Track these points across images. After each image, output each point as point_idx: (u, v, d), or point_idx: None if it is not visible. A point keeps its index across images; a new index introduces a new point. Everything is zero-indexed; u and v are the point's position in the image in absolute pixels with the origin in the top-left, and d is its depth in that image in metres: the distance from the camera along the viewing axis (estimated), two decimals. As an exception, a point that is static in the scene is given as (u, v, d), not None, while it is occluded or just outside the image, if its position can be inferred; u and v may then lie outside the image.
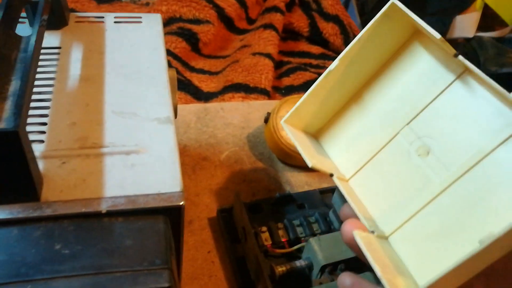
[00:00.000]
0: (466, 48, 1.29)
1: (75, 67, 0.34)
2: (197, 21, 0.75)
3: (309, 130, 0.36)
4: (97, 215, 0.25)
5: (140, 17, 0.41)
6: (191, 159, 0.54)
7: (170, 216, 0.27)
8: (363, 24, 1.25)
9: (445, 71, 0.29)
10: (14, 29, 0.30)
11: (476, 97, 0.28)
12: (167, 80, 0.35)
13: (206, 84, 0.68)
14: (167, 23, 0.74)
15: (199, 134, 0.57)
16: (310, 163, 0.31)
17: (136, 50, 0.37)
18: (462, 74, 0.28)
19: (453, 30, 1.30)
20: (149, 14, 0.42)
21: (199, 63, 0.72)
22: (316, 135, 0.36)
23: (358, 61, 0.32)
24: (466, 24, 1.31)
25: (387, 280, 0.25)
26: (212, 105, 0.62)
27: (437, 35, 0.26)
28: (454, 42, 1.31)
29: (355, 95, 0.34)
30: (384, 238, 0.30)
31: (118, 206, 0.26)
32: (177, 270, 0.30)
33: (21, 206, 0.24)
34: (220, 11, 0.77)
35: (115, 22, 0.40)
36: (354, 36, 0.87)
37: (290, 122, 0.34)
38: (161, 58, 0.37)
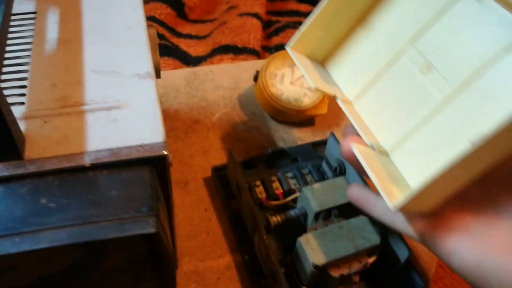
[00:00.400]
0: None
1: (52, 31, 0.34)
2: (181, -15, 0.73)
3: (315, 56, 0.35)
4: (81, 169, 0.26)
5: (116, -22, 0.40)
6: (183, 123, 0.54)
7: (155, 167, 0.27)
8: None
9: None
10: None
11: (481, 7, 0.27)
12: (146, 38, 0.35)
13: (194, 48, 0.67)
14: (150, -11, 0.73)
15: (190, 98, 0.57)
16: (313, 84, 0.31)
17: (114, 11, 0.37)
18: None
19: None
20: (124, -26, 0.41)
21: (186, 28, 0.71)
22: (322, 61, 0.35)
23: None
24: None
25: (382, 187, 0.26)
26: (201, 69, 0.61)
27: None
28: None
29: (361, 18, 0.33)
30: (385, 154, 0.30)
31: (102, 159, 0.26)
32: (169, 220, 0.31)
33: (5, 165, 0.25)
34: (204, -26, 0.76)
35: (90, -16, 0.39)
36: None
37: (295, 47, 0.33)
38: (140, 17, 0.36)
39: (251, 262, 0.41)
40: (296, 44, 0.33)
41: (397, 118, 0.30)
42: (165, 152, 0.27)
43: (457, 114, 0.27)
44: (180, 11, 0.71)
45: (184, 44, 0.67)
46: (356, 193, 0.33)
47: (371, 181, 0.27)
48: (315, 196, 0.41)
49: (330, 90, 0.32)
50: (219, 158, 0.51)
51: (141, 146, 0.27)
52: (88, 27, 0.35)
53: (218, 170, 0.48)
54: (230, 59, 0.64)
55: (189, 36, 0.69)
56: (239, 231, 0.43)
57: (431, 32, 0.29)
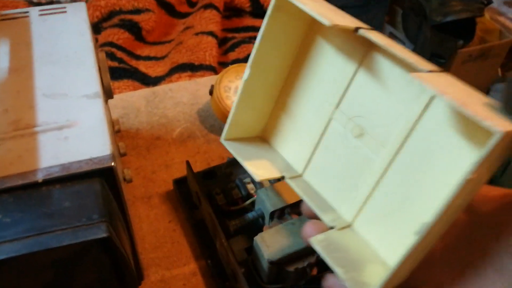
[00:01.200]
0: (412, 3, 1.33)
1: (3, 61, 0.36)
2: (137, 11, 0.76)
3: (253, 134, 0.34)
4: (34, 185, 0.27)
5: (65, 7, 0.42)
6: (145, 141, 0.56)
7: (105, 178, 0.29)
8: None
9: (353, 50, 0.28)
10: None
11: (387, 70, 0.27)
12: (95, 61, 0.37)
13: (153, 69, 0.69)
14: (108, 17, 0.75)
15: (150, 116, 0.59)
16: (257, 178, 0.30)
17: (63, 38, 0.39)
18: (370, 49, 0.28)
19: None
20: (73, 3, 0.43)
21: (145, 50, 0.74)
22: (262, 135, 0.35)
23: (268, 62, 0.30)
24: (410, -19, 1.34)
25: (350, 278, 0.25)
26: (161, 88, 0.64)
27: (327, 22, 0.24)
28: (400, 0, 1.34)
29: (279, 98, 0.33)
30: (347, 227, 0.29)
31: (53, 174, 0.28)
32: (127, 229, 0.33)
33: (-40, 186, 0.26)
34: (158, -2, 0.79)
35: (40, 14, 0.41)
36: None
37: (230, 136, 0.32)
38: (88, 42, 0.39)
39: (215, 267, 0.43)
40: (230, 133, 0.32)
41: (347, 185, 0.29)
42: (113, 164, 0.29)
43: (403, 176, 0.26)
44: (138, 35, 0.74)
45: (143, 66, 0.69)
46: (311, 233, 0.29)
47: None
48: (269, 197, 0.43)
49: (276, 174, 0.31)
50: (181, 171, 0.53)
51: (90, 159, 0.29)
52: (38, 54, 0.37)
53: (179, 183, 0.50)
54: (188, 77, 0.66)
55: (148, 58, 0.72)
56: (203, 239, 0.45)
57: (349, 95, 0.29)
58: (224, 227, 0.43)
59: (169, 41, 0.77)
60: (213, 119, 0.60)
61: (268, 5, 0.87)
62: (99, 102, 0.33)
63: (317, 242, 0.27)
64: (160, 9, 0.79)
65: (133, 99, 0.61)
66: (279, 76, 0.32)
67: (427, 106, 0.25)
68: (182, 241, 0.46)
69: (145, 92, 0.63)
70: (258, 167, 0.31)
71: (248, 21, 0.87)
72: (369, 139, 0.28)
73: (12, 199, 0.27)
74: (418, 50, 1.37)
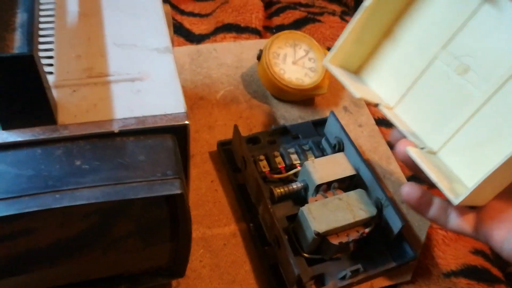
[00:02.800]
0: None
1: (72, 4, 0.35)
2: (184, -37, 0.74)
3: (349, 68, 0.38)
4: (110, 135, 0.28)
5: (131, -46, 0.41)
6: (188, 99, 0.56)
7: (177, 135, 0.29)
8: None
9: None
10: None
11: (507, 12, 0.29)
12: (163, 13, 0.36)
13: (197, 26, 0.68)
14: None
15: (194, 75, 0.59)
16: (357, 95, 0.33)
17: (130, -14, 0.38)
18: None
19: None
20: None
21: (189, 6, 0.72)
22: (356, 71, 0.38)
23: None
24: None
25: (443, 185, 0.28)
26: (205, 46, 0.63)
27: None
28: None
29: (387, 31, 0.36)
30: (433, 153, 0.33)
31: (129, 126, 0.28)
32: (187, 184, 0.33)
33: (41, 129, 0.27)
34: (206, -48, 0.76)
35: (106, -41, 0.40)
36: (343, -27, 0.87)
37: (332, 61, 0.36)
38: (155, -7, 0.38)
39: (255, 231, 0.44)
40: (333, 59, 0.36)
41: (440, 118, 0.33)
42: (187, 122, 0.29)
43: (500, 109, 0.29)
44: (182, -12, 0.72)
45: (187, 22, 0.68)
46: (417, 195, 0.33)
47: (429, 180, 0.30)
48: (316, 170, 0.43)
49: (372, 98, 0.35)
50: (224, 133, 0.53)
51: (165, 115, 0.29)
52: (106, 1, 0.36)
53: (223, 145, 0.50)
54: (233, 38, 0.65)
55: (192, 14, 0.70)
56: (244, 202, 0.46)
57: (462, 36, 0.32)
58: (269, 193, 0.44)
59: (213, -1, 0.75)
60: (256, 85, 0.59)
61: (314, -29, 0.84)
62: (171, 57, 0.33)
63: (413, 151, 0.30)
64: (207, -36, 0.76)
65: (177, 55, 0.60)
66: (391, 12, 0.35)
67: None
68: (223, 202, 0.47)
69: (189, 49, 0.62)
70: (357, 88, 0.35)
71: (293, -14, 0.85)
72: (473, 75, 0.31)
73: (89, 146, 0.27)
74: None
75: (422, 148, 0.32)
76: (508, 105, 0.29)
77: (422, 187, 0.34)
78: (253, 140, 0.50)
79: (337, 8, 0.83)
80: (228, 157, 0.49)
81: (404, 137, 0.33)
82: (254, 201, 0.45)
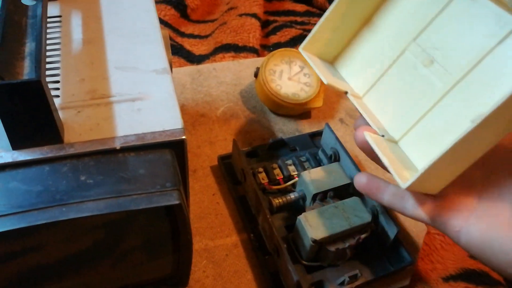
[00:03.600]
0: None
1: (76, 32, 0.38)
2: (184, -12, 0.77)
3: (324, 57, 0.39)
4: (113, 151, 0.30)
5: (130, -17, 0.44)
6: (190, 117, 0.58)
7: (175, 149, 0.31)
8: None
9: None
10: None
11: (476, 6, 0.31)
12: (161, 37, 0.39)
13: (197, 47, 0.71)
14: (154, -8, 0.77)
15: (195, 94, 0.61)
16: (326, 81, 0.34)
17: (130, 13, 0.41)
18: None
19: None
20: (137, -20, 0.45)
21: (189, 28, 0.75)
22: (331, 61, 0.39)
23: None
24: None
25: (394, 169, 0.29)
26: (205, 66, 0.66)
27: None
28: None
29: (366, 19, 0.37)
30: (394, 142, 0.34)
31: (130, 142, 0.30)
32: (185, 196, 0.35)
33: (49, 147, 0.29)
34: (204, -24, 0.80)
35: (107, -11, 0.43)
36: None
37: (307, 48, 0.37)
38: (154, 18, 0.41)
39: (256, 240, 0.45)
40: (307, 45, 0.37)
41: (403, 108, 0.34)
42: (184, 137, 0.31)
43: (458, 100, 0.31)
44: (183, 12, 0.75)
45: (187, 43, 0.71)
46: (364, 181, 0.35)
47: (383, 165, 0.31)
48: (312, 180, 0.45)
49: (341, 86, 0.36)
50: (224, 148, 0.55)
51: (163, 131, 0.31)
52: (107, 28, 0.39)
53: (223, 159, 0.52)
54: (232, 57, 0.68)
55: (192, 36, 0.73)
56: (244, 213, 0.48)
57: (431, 29, 0.33)
58: (268, 204, 0.46)
59: (212, 20, 0.78)
60: (255, 101, 0.61)
61: (309, -11, 0.87)
62: (168, 77, 0.35)
63: (371, 137, 0.31)
64: (205, -13, 0.80)
65: (179, 76, 0.63)
66: (369, 1, 0.36)
67: (504, 37, 0.29)
68: (225, 214, 0.48)
69: (190, 69, 0.64)
70: (327, 75, 0.36)
71: (288, 5, 0.88)
72: (438, 67, 0.32)
73: (93, 162, 0.29)
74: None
75: (382, 136, 0.33)
76: (466, 97, 0.30)
77: (371, 174, 0.35)
78: (252, 153, 0.52)
79: (332, 24, 0.85)
80: (228, 170, 0.51)
81: (367, 125, 0.34)
82: (254, 212, 0.47)
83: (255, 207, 0.46)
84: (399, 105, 0.34)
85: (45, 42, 0.30)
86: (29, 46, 0.30)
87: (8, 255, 0.29)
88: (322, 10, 0.89)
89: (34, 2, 0.34)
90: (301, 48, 0.37)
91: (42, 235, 0.29)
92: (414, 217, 0.32)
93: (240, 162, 0.48)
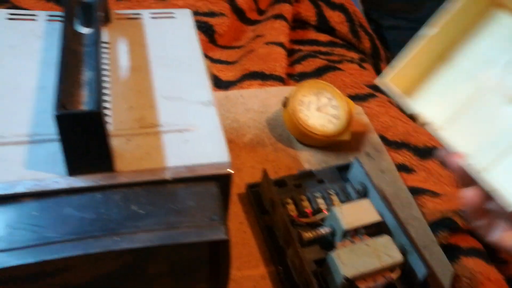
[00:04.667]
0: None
1: (123, 59, 0.39)
2: (212, 14, 0.79)
3: (402, 90, 0.40)
4: (163, 182, 0.30)
5: (173, 13, 0.45)
6: (217, 142, 0.59)
7: (220, 182, 0.32)
8: (365, 11, 1.28)
9: None
10: (75, 27, 0.35)
11: None
12: (205, 68, 0.39)
13: (224, 73, 0.72)
14: (183, 16, 0.78)
15: (223, 120, 0.61)
16: (414, 110, 0.37)
17: (173, 42, 0.42)
18: None
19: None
20: (180, 9, 0.46)
21: (216, 53, 0.76)
22: (405, 92, 0.40)
23: (447, 26, 0.36)
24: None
25: (499, 192, 0.31)
26: (232, 93, 0.66)
27: None
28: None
29: (441, 55, 0.39)
30: (481, 170, 0.34)
31: (180, 174, 0.30)
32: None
33: (102, 175, 0.29)
34: (233, 4, 0.81)
35: (151, 17, 0.44)
36: (360, 23, 0.92)
37: (391, 81, 0.38)
38: (196, 49, 0.41)
39: (284, 273, 0.45)
40: (392, 78, 0.38)
41: (486, 141, 0.35)
42: (231, 171, 0.31)
43: None
44: (211, 38, 0.77)
45: (215, 69, 0.72)
46: (473, 196, 0.34)
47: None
48: (343, 216, 0.45)
49: (425, 117, 0.37)
50: (251, 175, 0.55)
51: (211, 164, 0.31)
52: (153, 56, 0.40)
53: (251, 187, 0.52)
54: (258, 85, 0.69)
55: (219, 61, 0.74)
56: (272, 244, 0.48)
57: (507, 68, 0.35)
58: (298, 237, 0.45)
59: (239, 47, 0.80)
60: (281, 129, 0.62)
61: (333, 21, 0.89)
62: (214, 110, 0.35)
63: (465, 164, 0.33)
64: (232, 14, 0.81)
65: (206, 101, 0.64)
66: (455, 36, 0.38)
67: None
68: (252, 244, 0.48)
69: (218, 95, 0.65)
70: (411, 106, 0.38)
71: (312, 35, 0.89)
72: None
73: (143, 192, 0.29)
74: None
75: (469, 164, 0.34)
76: None
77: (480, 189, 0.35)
78: (279, 183, 0.52)
79: (355, 55, 0.87)
80: (256, 199, 0.51)
81: (453, 153, 0.35)
82: (282, 243, 0.47)
83: (284, 239, 0.46)
84: (482, 137, 0.35)
85: (101, 72, 0.31)
86: (86, 75, 0.31)
87: (40, 275, 0.29)
88: (345, 40, 0.91)
89: (90, 31, 0.35)
90: (383, 81, 0.38)
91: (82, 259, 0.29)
92: (497, 243, 0.33)
93: (269, 192, 0.48)
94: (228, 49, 0.79)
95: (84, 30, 0.35)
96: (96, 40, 0.33)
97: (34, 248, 0.26)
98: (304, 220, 0.48)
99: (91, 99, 0.28)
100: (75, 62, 0.31)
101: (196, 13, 0.78)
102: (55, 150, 0.30)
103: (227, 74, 0.72)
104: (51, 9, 0.79)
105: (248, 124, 0.62)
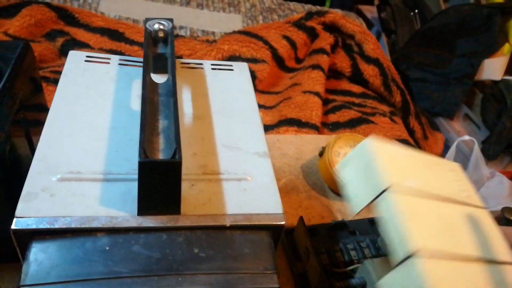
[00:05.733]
0: (493, 90, 1.36)
1: (187, 107, 0.42)
2: (254, 60, 0.83)
3: None
4: (223, 227, 0.32)
5: (231, 65, 0.49)
6: (253, 185, 0.61)
7: (273, 232, 0.34)
8: (393, 62, 1.32)
9: None
10: (150, 77, 0.38)
11: None
12: (260, 121, 0.43)
13: (262, 117, 0.76)
14: (227, 60, 0.83)
15: (260, 163, 0.65)
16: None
17: (232, 94, 0.45)
18: None
19: (481, 72, 1.36)
20: (238, 63, 0.50)
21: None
22: None
23: None
24: (494, 67, 1.37)
25: None
26: (269, 137, 0.70)
27: None
28: (481, 84, 1.37)
29: None
30: None
31: (238, 221, 0.33)
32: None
33: (168, 218, 0.32)
34: (274, 52, 0.86)
35: (212, 68, 0.48)
36: (393, 78, 0.95)
37: None
38: (253, 101, 0.45)
39: (314, 321, 0.46)
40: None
41: None
42: (283, 223, 0.34)
43: None
44: (252, 83, 0.81)
45: (253, 112, 0.76)
46: None
47: None
48: (375, 269, 0.46)
49: None
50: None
51: (266, 214, 0.34)
52: (214, 106, 0.43)
53: (286, 233, 0.54)
54: (294, 131, 0.72)
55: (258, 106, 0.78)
56: (304, 291, 0.49)
57: None
58: (330, 286, 0.47)
59: (277, 93, 0.83)
60: (315, 177, 0.64)
61: (367, 74, 0.92)
62: (268, 161, 0.38)
63: None
64: (273, 61, 0.86)
65: (245, 143, 0.67)
66: None
67: None
68: (284, 290, 0.50)
69: (256, 138, 0.68)
70: None
71: (345, 85, 0.93)
72: None
73: (204, 236, 0.32)
74: (494, 138, 1.37)
75: None
76: None
77: None
78: (312, 230, 0.54)
79: (386, 109, 0.90)
80: (290, 245, 0.53)
81: None
82: (314, 292, 0.48)
83: (317, 287, 0.47)
84: None
85: (178, 120, 0.34)
86: (161, 123, 0.34)
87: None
88: (377, 93, 0.94)
89: (163, 80, 0.38)
90: None
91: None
92: None
93: (304, 241, 0.50)
94: (266, 94, 0.83)
95: (159, 79, 0.38)
96: (172, 91, 0.36)
97: (105, 281, 0.29)
98: (337, 270, 0.49)
99: (168, 147, 0.32)
100: (152, 111, 0.35)
101: (239, 58, 0.83)
102: (126, 190, 0.33)
103: (264, 118, 0.75)
104: (104, 43, 0.85)
105: (283, 169, 0.65)
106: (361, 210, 0.38)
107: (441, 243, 0.35)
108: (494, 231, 0.38)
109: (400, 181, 0.37)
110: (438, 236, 0.35)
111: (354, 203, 0.39)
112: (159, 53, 0.42)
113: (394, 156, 0.41)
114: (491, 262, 0.35)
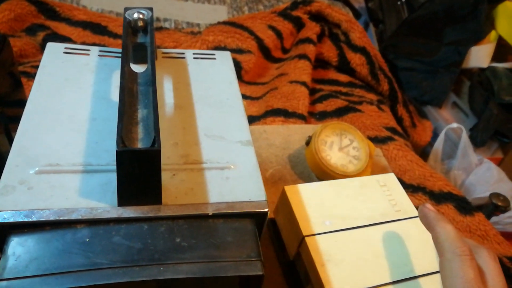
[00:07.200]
0: (481, 78, 1.36)
1: (169, 96, 0.42)
2: (240, 51, 0.83)
3: None
4: (205, 216, 0.32)
5: (214, 54, 0.49)
6: (241, 175, 0.61)
7: (257, 220, 0.34)
8: (382, 52, 1.32)
9: None
10: (129, 66, 0.38)
11: None
12: (244, 110, 0.42)
13: (248, 108, 0.75)
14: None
15: (246, 153, 0.64)
16: None
17: (215, 83, 0.45)
18: None
19: (468, 60, 1.37)
20: (220, 51, 0.49)
21: (241, 89, 0.79)
22: None
23: None
24: (481, 55, 1.38)
25: None
26: (256, 128, 0.69)
27: None
28: (469, 72, 1.38)
29: None
30: None
31: (221, 210, 0.33)
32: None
33: (149, 207, 0.31)
34: (260, 42, 0.86)
35: (194, 58, 0.47)
36: (380, 66, 0.95)
37: None
38: (236, 90, 0.44)
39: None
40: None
41: None
42: (267, 209, 0.34)
43: None
44: (238, 73, 0.80)
45: (240, 103, 0.75)
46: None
47: None
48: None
49: None
50: (271, 210, 0.57)
51: (249, 202, 0.34)
52: (196, 95, 0.43)
53: (273, 223, 0.54)
54: (281, 121, 0.72)
55: (244, 97, 0.78)
56: (293, 280, 0.49)
57: None
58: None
59: (263, 83, 0.83)
60: (302, 166, 0.64)
61: (354, 63, 0.92)
62: (252, 149, 0.38)
63: None
64: (259, 52, 0.85)
65: (232, 134, 0.66)
66: None
67: None
68: (271, 279, 0.50)
69: (243, 129, 0.68)
70: None
71: (332, 75, 0.93)
72: None
73: (186, 225, 0.32)
74: (482, 125, 1.38)
75: None
76: None
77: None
78: (300, 220, 0.54)
79: (373, 97, 0.90)
80: (276, 234, 0.53)
81: None
82: (302, 279, 0.48)
83: (305, 276, 0.47)
84: None
85: (158, 109, 0.33)
86: (141, 113, 0.34)
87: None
88: (364, 82, 0.94)
89: (143, 70, 0.38)
90: None
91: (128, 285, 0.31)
92: None
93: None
94: (253, 85, 0.82)
95: (139, 69, 0.38)
96: (151, 80, 0.35)
97: (86, 272, 0.28)
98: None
99: (147, 136, 0.31)
100: (131, 100, 0.34)
101: (224, 49, 0.82)
102: (105, 181, 0.33)
103: (251, 109, 0.75)
104: (87, 36, 0.84)
105: (270, 159, 0.64)
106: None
107: (355, 281, 0.40)
108: (417, 242, 0.42)
109: (319, 222, 0.44)
110: (353, 274, 0.41)
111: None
112: (138, 42, 0.41)
113: (317, 196, 0.47)
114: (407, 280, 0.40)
